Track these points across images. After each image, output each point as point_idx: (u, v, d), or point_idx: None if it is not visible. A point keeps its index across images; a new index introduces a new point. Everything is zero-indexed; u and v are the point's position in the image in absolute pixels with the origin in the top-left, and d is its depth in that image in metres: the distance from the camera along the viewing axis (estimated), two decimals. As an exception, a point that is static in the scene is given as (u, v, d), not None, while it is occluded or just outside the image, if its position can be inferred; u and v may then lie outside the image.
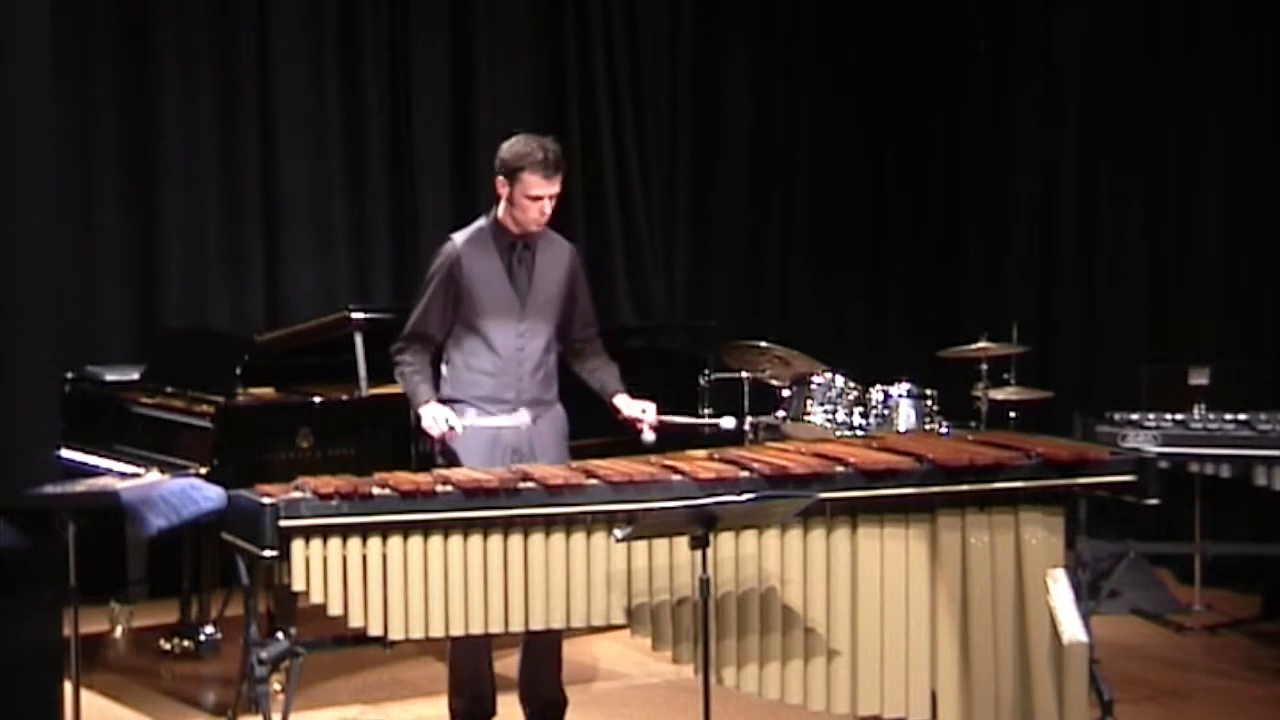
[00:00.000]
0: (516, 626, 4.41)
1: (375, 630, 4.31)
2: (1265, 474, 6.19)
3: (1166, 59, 8.13)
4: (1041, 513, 4.72)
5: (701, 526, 4.24)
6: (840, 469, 4.59)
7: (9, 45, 4.47)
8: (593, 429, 5.42)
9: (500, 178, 5.04)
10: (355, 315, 6.22)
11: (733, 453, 4.77)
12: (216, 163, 7.64)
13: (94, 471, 5.68)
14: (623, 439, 5.30)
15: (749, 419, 6.96)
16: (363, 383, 6.18)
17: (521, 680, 5.22)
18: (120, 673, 6.15)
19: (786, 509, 4.41)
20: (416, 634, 4.34)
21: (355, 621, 4.29)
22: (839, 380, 7.01)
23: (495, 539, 4.35)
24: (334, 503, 4.24)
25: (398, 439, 6.02)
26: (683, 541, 4.32)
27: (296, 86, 7.81)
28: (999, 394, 7.26)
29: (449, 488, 4.34)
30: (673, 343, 8.45)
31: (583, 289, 5.27)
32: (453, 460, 4.97)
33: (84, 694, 4.77)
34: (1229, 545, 7.12)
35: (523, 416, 5.05)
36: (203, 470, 5.61)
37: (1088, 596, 6.00)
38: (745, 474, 4.53)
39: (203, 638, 6.23)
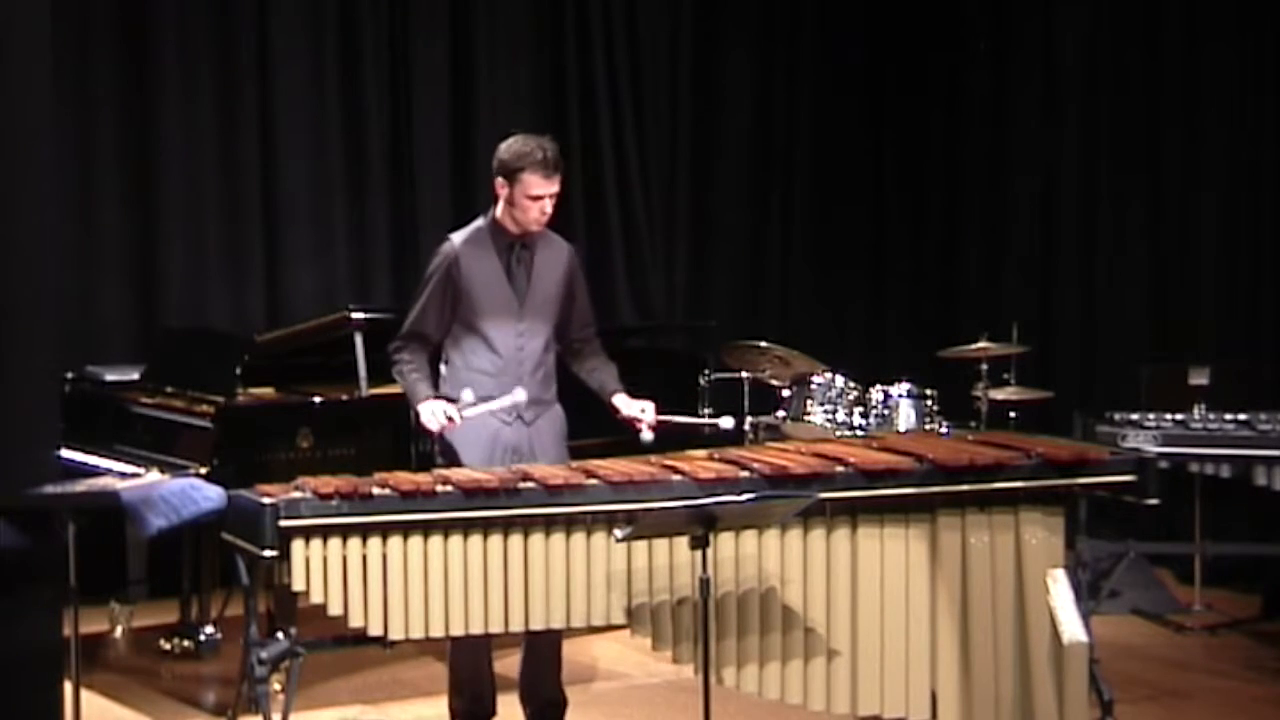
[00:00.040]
0: (516, 626, 4.41)
1: (375, 630, 4.31)
2: (1265, 474, 6.19)
3: (1166, 59, 8.12)
4: (1041, 513, 4.71)
5: (701, 526, 4.24)
6: (840, 469, 4.59)
7: (9, 45, 4.47)
8: (592, 429, 5.41)
9: (499, 178, 5.03)
10: (355, 315, 6.21)
11: (733, 453, 4.77)
12: (216, 163, 7.63)
13: (94, 471, 5.68)
14: (622, 439, 5.30)
15: (749, 419, 6.97)
16: (363, 383, 6.18)
17: (521, 680, 5.22)
18: (120, 673, 6.14)
19: (786, 509, 4.41)
20: (416, 634, 4.34)
21: (355, 621, 4.29)
22: (839, 380, 7.01)
23: (495, 539, 4.35)
24: (334, 503, 4.24)
25: (398, 439, 6.02)
26: (683, 541, 4.32)
27: (296, 86, 7.80)
28: (999, 394, 7.26)
29: (449, 488, 4.34)
30: (673, 343, 8.46)
31: (581, 289, 5.26)
32: (452, 459, 4.97)
33: (84, 694, 4.77)
34: (1229, 545, 7.12)
35: (519, 396, 5.00)
36: (203, 470, 5.60)
37: (1088, 596, 6.00)
38: (745, 474, 4.53)
39: (203, 638, 6.23)
